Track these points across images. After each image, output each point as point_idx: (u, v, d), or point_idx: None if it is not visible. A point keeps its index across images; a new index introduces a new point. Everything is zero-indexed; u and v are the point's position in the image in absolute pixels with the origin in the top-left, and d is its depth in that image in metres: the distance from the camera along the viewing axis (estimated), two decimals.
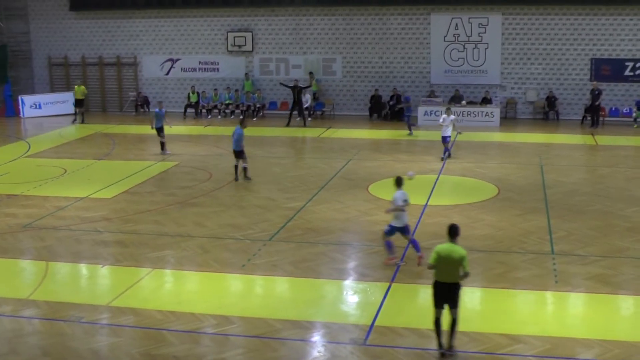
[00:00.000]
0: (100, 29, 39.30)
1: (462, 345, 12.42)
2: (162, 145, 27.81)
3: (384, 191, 22.38)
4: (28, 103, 38.22)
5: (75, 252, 18.03)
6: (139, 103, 38.50)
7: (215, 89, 37.37)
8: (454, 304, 12.03)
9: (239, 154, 23.89)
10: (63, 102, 38.30)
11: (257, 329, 13.38)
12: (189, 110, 37.41)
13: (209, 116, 36.97)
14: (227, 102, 36.96)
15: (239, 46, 37.21)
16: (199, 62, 38.26)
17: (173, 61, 38.58)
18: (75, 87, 36.91)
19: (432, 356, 12.30)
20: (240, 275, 16.18)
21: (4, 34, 40.12)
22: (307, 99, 35.36)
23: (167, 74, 38.80)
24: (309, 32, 36.68)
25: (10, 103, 38.65)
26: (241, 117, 28.06)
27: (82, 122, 36.11)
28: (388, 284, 15.31)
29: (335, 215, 20.24)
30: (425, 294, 15.10)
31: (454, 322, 12.09)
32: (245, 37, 37.07)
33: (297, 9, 36.46)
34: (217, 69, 38.05)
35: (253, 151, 28.70)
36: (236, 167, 24.03)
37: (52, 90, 39.48)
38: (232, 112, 36.86)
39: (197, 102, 37.26)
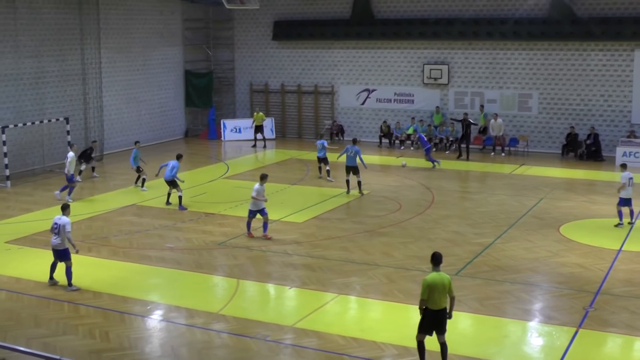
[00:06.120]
0: (300, 59, 40.58)
1: None
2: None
3: (578, 233, 21.70)
4: (229, 127, 40.06)
5: (265, 272, 18.70)
6: (334, 131, 39.31)
7: (413, 118, 37.53)
8: (442, 330, 12.98)
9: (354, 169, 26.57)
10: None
11: None
12: (383, 140, 37.85)
13: (402, 147, 37.17)
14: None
15: (435, 79, 37.27)
16: (394, 93, 38.63)
17: (369, 91, 39.18)
18: (255, 113, 38.40)
19: None
20: None
21: (211, 61, 42.31)
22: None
23: (363, 103, 39.42)
24: (505, 66, 36.20)
25: (213, 126, 40.64)
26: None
27: (265, 147, 37.77)
28: (575, 329, 14.83)
29: (524, 254, 19.82)
30: (613, 344, 14.54)
31: (444, 346, 12.99)
32: (441, 69, 37.09)
33: (494, 42, 36.11)
34: (412, 101, 38.25)
35: (443, 184, 28.66)
36: (348, 181, 26.84)
37: (252, 115, 41.01)
38: None
39: (390, 133, 37.62)
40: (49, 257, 17.82)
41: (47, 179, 29.61)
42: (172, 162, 25.25)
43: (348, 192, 26.71)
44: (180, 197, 25.06)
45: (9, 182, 28.46)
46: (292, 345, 14.30)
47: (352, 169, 26.53)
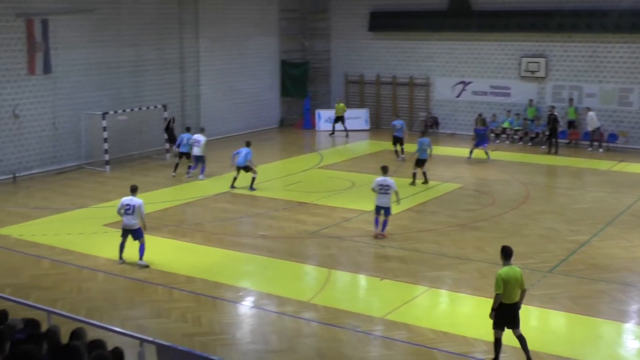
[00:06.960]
0: (396, 50, 40.39)
1: None
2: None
3: None
4: (324, 117, 40.21)
5: (357, 263, 18.73)
6: (429, 124, 38.99)
7: (509, 111, 36.94)
8: (516, 325, 12.92)
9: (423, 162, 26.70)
10: (356, 118, 39.74)
11: None
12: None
13: (497, 141, 36.58)
14: (516, 127, 36.43)
15: (532, 72, 36.57)
16: (490, 86, 38.08)
17: (465, 84, 38.74)
18: (336, 104, 38.60)
19: None
20: None
21: (307, 51, 42.53)
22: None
23: (458, 96, 38.99)
24: (605, 60, 35.23)
25: (308, 116, 40.87)
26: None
27: (347, 136, 38.19)
28: None
29: (621, 253, 19.30)
30: None
31: (522, 339, 12.91)
32: (539, 62, 36.36)
33: (594, 35, 35.16)
34: (509, 94, 37.63)
35: (538, 180, 28.17)
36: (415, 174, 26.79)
37: (347, 106, 40.87)
38: (521, 139, 36.24)
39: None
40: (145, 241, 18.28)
41: (144, 165, 30.36)
42: (245, 150, 26.01)
43: (414, 183, 26.66)
44: (253, 179, 25.97)
45: (108, 167, 29.27)
46: (381, 336, 14.30)
47: (423, 161, 26.71)
